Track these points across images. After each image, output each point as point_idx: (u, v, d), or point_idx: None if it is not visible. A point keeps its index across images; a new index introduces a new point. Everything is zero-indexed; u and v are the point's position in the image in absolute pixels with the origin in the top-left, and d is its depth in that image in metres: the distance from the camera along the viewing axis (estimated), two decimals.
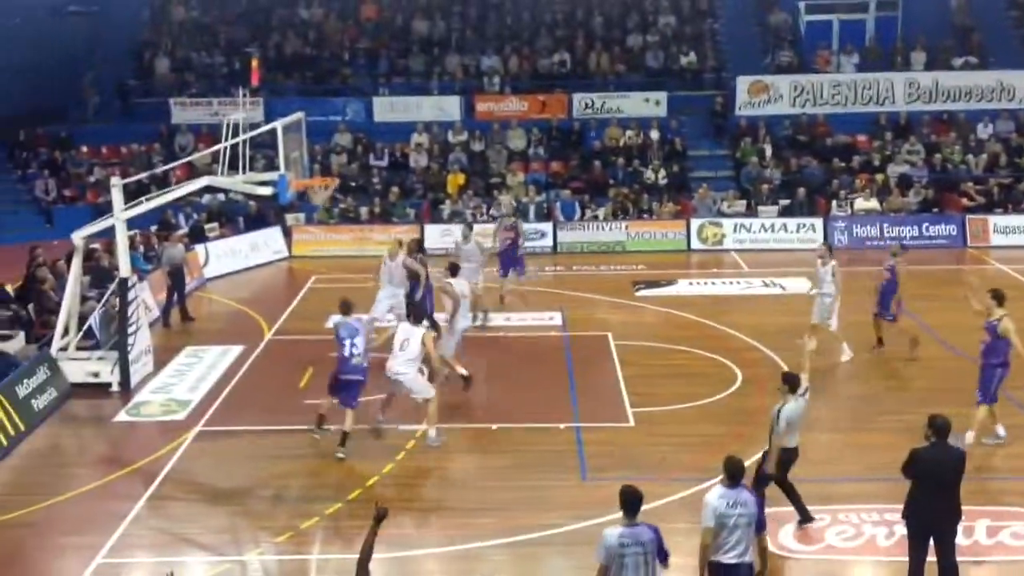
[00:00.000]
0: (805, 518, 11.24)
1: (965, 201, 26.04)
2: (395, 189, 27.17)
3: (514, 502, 11.97)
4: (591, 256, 25.17)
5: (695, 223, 25.72)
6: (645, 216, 26.25)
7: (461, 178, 27.72)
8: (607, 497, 11.87)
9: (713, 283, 22.29)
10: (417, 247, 18.56)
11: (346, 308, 13.52)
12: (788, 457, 10.94)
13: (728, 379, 15.90)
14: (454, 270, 16.16)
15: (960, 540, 10.70)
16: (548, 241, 25.78)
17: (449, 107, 29.77)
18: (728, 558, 8.60)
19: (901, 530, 10.03)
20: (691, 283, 22.17)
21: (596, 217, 26.36)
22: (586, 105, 29.63)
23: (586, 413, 14.76)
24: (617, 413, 14.69)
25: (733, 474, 8.73)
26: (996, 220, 25.43)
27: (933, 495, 9.39)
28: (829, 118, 28.88)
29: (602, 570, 8.15)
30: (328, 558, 10.94)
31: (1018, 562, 10.60)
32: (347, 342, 13.16)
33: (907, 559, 9.64)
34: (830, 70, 30.13)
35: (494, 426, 14.25)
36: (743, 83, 29.37)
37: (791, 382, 11.01)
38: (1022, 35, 31.38)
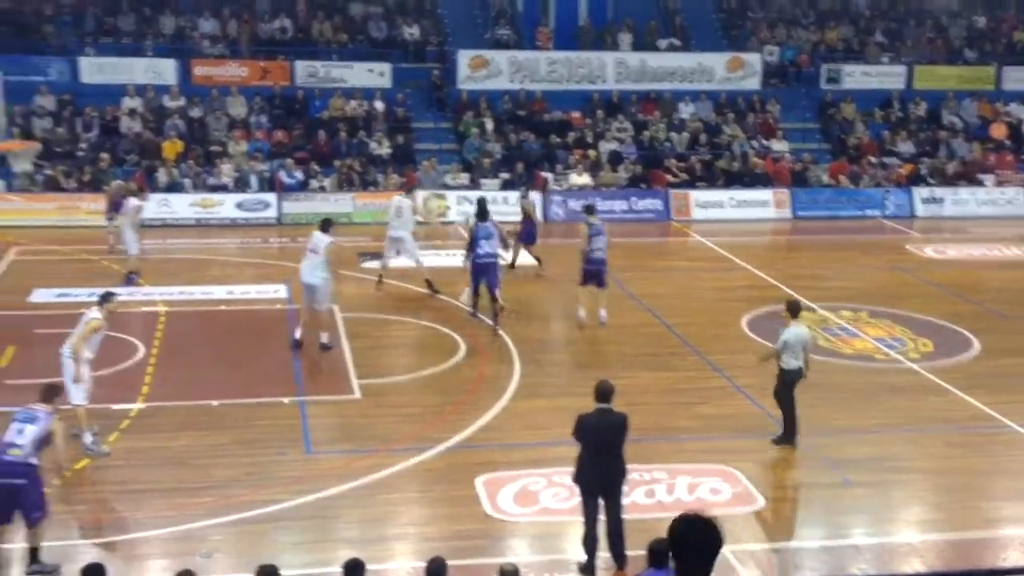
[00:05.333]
0: (785, 439, 12.66)
1: (669, 177, 27.72)
2: (105, 155, 25.72)
3: (235, 479, 11.77)
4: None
5: (420, 195, 25.92)
6: (371, 188, 26.24)
7: (179, 145, 26.63)
8: (331, 470, 12.00)
9: (437, 254, 22.59)
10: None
11: (483, 212, 17.14)
12: (789, 377, 12.52)
13: (451, 349, 16.25)
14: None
15: (663, 497, 11.58)
16: (272, 212, 25.28)
17: (164, 70, 28.44)
18: None
19: None
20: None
21: (322, 188, 26.10)
22: (309, 73, 29.15)
23: (311, 386, 14.70)
24: (343, 385, 14.71)
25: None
26: (697, 195, 27.25)
27: (598, 457, 9.91)
28: (546, 94, 29.88)
29: None
30: (30, 547, 10.33)
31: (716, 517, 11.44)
32: (482, 242, 16.68)
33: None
34: (550, 47, 31.13)
35: (215, 402, 13.91)
36: (464, 57, 29.84)
37: (792, 308, 12.73)
38: (721, 19, 33.66)
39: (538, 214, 22.25)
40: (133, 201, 19.87)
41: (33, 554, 9.80)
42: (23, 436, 9.70)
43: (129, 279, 19.21)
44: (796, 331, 12.62)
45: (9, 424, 9.87)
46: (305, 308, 16.20)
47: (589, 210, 17.56)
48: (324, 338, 15.89)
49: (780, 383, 12.71)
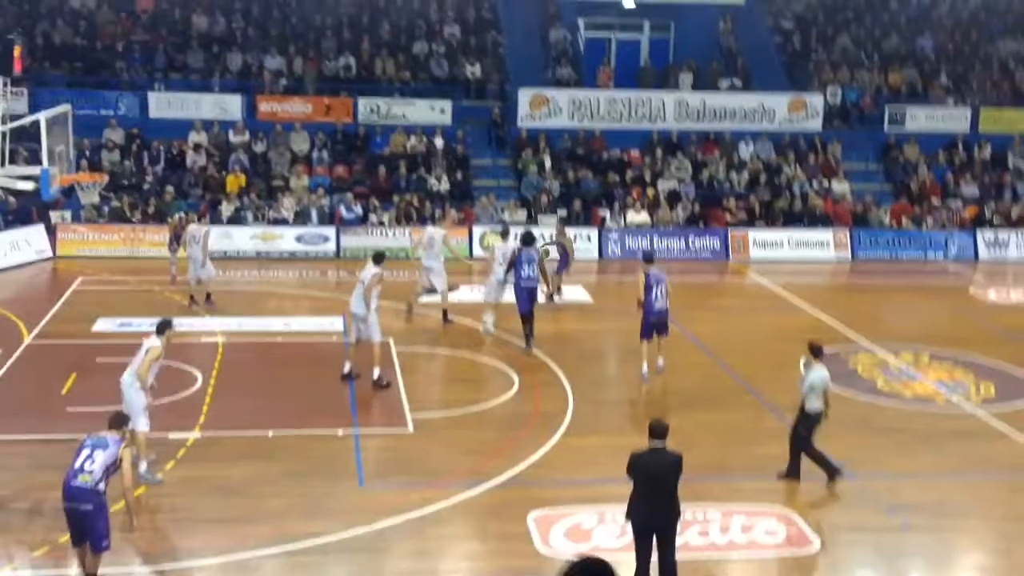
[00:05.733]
0: (833, 476, 12.58)
1: (728, 216, 27.57)
2: (170, 188, 26.26)
3: (288, 510, 11.84)
4: None
5: (477, 231, 26.12)
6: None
7: (242, 179, 27.12)
8: (384, 503, 12.03)
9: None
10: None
11: (528, 239, 18.01)
12: (811, 422, 12.45)
13: (504, 384, 16.25)
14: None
15: (716, 538, 11.43)
16: (331, 246, 25.59)
17: (230, 106, 29.05)
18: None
19: None
20: (472, 290, 22.47)
21: (381, 223, 26.36)
22: (372, 110, 29.57)
23: (365, 419, 14.78)
24: (397, 418, 14.76)
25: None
26: (755, 235, 27.06)
27: (651, 496, 9.82)
28: (605, 133, 29.95)
29: None
30: (87, 573, 10.47)
31: (770, 559, 11.31)
32: (524, 266, 17.66)
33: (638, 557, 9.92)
34: (610, 87, 31.24)
35: (271, 432, 14.03)
36: (525, 95, 30.06)
37: (815, 350, 12.62)
38: (783, 61, 33.55)
39: (576, 253, 22.83)
40: (194, 227, 20.19)
41: None
42: (93, 462, 9.84)
43: (209, 300, 19.98)
44: (821, 373, 12.52)
45: (78, 450, 10.03)
46: (354, 340, 16.29)
47: (648, 258, 16.58)
48: (375, 374, 15.82)
49: (801, 426, 12.58)
